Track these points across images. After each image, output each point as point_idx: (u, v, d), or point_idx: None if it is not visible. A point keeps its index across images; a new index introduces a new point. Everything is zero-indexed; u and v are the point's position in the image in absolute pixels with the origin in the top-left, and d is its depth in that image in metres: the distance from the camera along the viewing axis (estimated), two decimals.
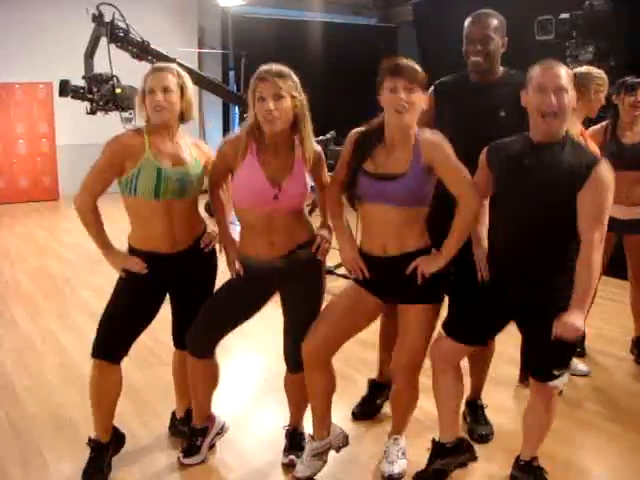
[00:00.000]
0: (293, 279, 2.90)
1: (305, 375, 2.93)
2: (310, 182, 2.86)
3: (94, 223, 2.88)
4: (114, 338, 2.93)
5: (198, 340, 2.98)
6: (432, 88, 3.27)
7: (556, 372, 2.71)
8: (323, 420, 3.02)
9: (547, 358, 2.71)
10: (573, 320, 2.50)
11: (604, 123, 4.40)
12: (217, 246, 3.08)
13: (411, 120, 2.65)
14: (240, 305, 2.96)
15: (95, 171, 2.84)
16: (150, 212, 2.86)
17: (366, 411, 3.67)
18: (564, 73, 2.57)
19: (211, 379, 3.11)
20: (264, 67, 2.71)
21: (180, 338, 3.13)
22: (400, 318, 2.88)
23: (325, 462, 3.04)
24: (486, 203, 2.88)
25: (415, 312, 2.81)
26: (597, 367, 4.33)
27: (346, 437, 3.12)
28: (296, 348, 2.93)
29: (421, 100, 2.65)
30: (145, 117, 2.88)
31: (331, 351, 2.90)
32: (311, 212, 2.98)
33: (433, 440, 3.00)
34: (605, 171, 2.53)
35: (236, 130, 2.95)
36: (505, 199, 2.76)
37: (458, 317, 2.91)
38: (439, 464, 2.96)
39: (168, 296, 3.09)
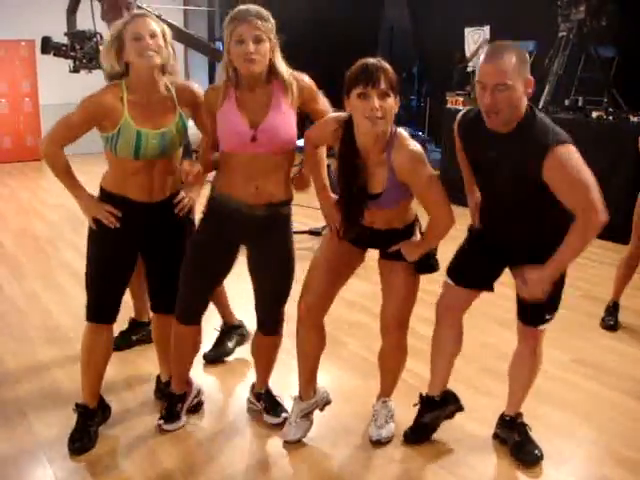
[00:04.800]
0: (263, 238, 2.83)
1: (300, 334, 2.92)
2: (295, 128, 2.74)
3: (63, 170, 2.82)
4: (105, 299, 2.90)
5: (187, 309, 2.95)
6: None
7: (548, 316, 2.75)
8: (311, 381, 3.03)
9: (542, 304, 2.68)
10: (538, 277, 2.51)
11: None
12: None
13: (385, 127, 2.53)
14: (215, 263, 2.90)
15: (66, 124, 2.75)
16: (130, 169, 2.79)
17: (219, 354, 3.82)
18: (501, 66, 2.36)
19: (197, 344, 3.09)
20: (242, 7, 2.62)
21: (156, 301, 3.11)
22: (385, 277, 2.89)
23: (312, 422, 3.05)
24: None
25: (400, 269, 2.80)
26: (584, 328, 4.33)
27: (328, 394, 3.13)
28: (272, 311, 2.97)
29: (395, 105, 2.53)
30: (110, 69, 2.75)
31: (326, 306, 2.91)
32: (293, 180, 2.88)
33: (421, 395, 3.01)
34: (562, 150, 2.37)
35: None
36: (478, 176, 2.77)
37: (458, 261, 2.89)
38: (428, 418, 2.98)
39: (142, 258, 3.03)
